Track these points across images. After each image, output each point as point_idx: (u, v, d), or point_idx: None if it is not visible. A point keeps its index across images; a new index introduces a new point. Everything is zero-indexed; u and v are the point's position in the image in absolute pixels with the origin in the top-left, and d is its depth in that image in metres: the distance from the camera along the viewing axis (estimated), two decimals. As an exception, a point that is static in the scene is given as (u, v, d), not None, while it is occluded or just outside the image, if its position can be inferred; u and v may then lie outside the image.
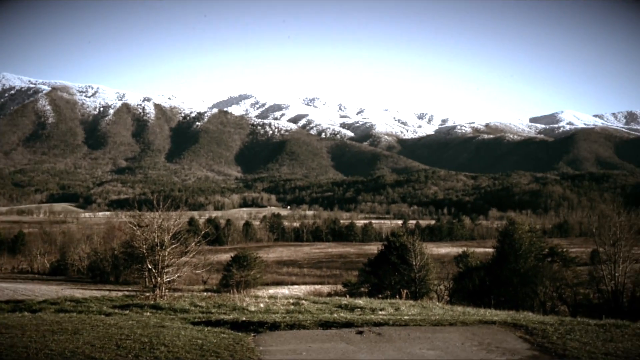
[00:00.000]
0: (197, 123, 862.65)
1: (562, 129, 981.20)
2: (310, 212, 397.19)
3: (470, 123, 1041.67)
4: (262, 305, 27.73)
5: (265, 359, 16.57)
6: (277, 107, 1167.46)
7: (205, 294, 44.68)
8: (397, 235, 74.76)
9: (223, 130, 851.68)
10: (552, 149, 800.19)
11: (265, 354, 17.03)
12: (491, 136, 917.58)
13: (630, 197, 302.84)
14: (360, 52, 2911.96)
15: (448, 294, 64.56)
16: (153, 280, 34.83)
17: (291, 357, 16.81)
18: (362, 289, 68.33)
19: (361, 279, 74.73)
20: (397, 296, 42.72)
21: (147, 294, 34.54)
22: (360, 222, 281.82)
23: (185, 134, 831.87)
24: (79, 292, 56.49)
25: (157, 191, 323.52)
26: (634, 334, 19.74)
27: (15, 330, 18.50)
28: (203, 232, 45.22)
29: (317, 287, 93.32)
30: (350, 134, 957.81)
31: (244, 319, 22.00)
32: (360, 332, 19.88)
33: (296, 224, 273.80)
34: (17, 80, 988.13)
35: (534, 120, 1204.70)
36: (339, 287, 79.76)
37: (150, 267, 34.73)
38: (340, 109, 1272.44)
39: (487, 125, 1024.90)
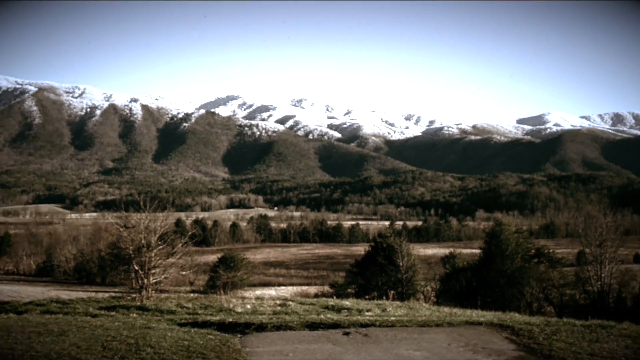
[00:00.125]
0: (185, 124, 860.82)
1: (549, 130, 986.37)
2: (297, 213, 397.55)
3: (457, 124, 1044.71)
4: (248, 306, 27.68)
5: (252, 360, 16.59)
6: (265, 108, 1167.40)
7: (192, 295, 44.54)
8: (384, 236, 74.89)
9: (210, 131, 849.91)
10: (539, 150, 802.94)
11: (252, 355, 17.01)
12: (478, 137, 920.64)
13: (617, 198, 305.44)
14: (348, 54, 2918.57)
15: (435, 295, 64.61)
16: (140, 281, 34.74)
17: (278, 358, 16.80)
18: (349, 290, 68.32)
19: (348, 280, 74.77)
20: (384, 297, 42.72)
21: (134, 295, 34.45)
22: (347, 223, 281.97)
23: (173, 134, 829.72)
24: (65, 294, 56.16)
25: (144, 192, 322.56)
26: (620, 335, 19.83)
27: (0, 331, 18.41)
28: (190, 233, 45.33)
29: (304, 288, 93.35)
30: (337, 135, 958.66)
31: (230, 320, 21.96)
32: (347, 333, 19.88)
33: (283, 225, 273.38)
34: (3, 80, 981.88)
35: (521, 121, 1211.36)
36: (326, 288, 79.73)
37: (136, 268, 34.65)
38: (327, 110, 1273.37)
39: (474, 127, 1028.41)
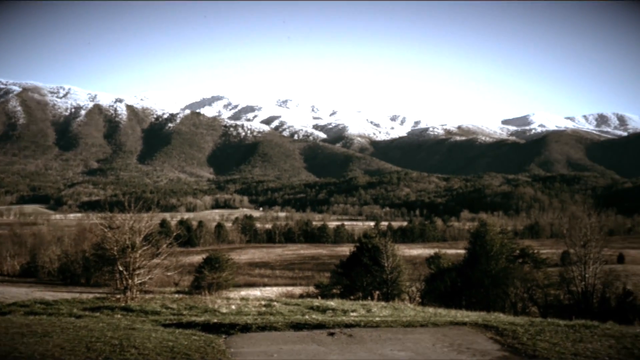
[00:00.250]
0: (169, 124, 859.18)
1: (533, 131, 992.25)
2: (282, 214, 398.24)
3: (442, 125, 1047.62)
4: (233, 307, 27.62)
5: (237, 361, 16.57)
6: (250, 109, 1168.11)
7: (176, 295, 44.45)
8: (369, 237, 74.96)
9: (195, 132, 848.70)
10: (524, 150, 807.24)
11: (237, 355, 16.98)
12: (463, 138, 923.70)
13: (601, 198, 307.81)
14: (333, 54, 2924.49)
15: (420, 296, 64.56)
16: (124, 282, 34.57)
17: (262, 359, 16.77)
18: (334, 291, 68.15)
19: (333, 281, 74.66)
20: (369, 298, 42.70)
21: (118, 296, 34.28)
22: (332, 224, 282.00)
23: (158, 135, 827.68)
24: (49, 295, 55.97)
25: (129, 193, 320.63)
26: (603, 335, 19.89)
27: (-17, 333, 18.29)
28: (175, 234, 45.06)
29: (289, 288, 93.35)
30: (323, 135, 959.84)
31: (215, 320, 21.90)
32: (332, 334, 19.87)
33: (268, 226, 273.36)
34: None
35: (505, 122, 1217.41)
36: (311, 289, 79.65)
37: (121, 269, 34.48)
38: (313, 110, 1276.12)
39: (459, 127, 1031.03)
